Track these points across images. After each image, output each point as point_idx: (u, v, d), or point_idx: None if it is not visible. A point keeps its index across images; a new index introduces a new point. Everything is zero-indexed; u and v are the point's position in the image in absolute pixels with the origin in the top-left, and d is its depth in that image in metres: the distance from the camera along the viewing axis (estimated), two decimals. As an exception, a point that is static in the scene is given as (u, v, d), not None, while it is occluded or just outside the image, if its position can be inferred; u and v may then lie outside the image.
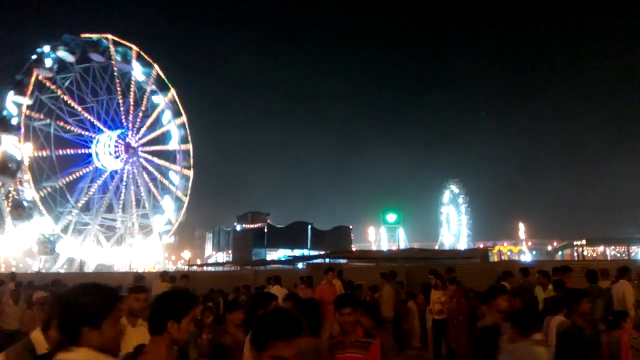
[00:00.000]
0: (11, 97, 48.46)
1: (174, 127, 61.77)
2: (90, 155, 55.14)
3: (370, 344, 3.86)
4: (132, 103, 58.35)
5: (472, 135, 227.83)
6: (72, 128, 53.73)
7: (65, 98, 52.78)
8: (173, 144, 62.24)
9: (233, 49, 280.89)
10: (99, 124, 55.61)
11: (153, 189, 60.01)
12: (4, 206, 49.37)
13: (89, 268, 51.22)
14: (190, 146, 62.75)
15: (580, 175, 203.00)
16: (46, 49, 50.61)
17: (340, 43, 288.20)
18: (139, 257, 58.00)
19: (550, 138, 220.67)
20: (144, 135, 59.67)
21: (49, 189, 50.78)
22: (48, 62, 50.53)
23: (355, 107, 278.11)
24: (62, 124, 52.77)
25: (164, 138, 62.07)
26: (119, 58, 56.59)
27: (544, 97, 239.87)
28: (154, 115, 60.15)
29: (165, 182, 61.29)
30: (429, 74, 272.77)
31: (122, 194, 58.23)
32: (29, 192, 47.99)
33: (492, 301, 4.95)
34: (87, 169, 55.24)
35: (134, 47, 57.56)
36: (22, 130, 48.02)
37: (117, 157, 56.08)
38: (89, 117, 54.78)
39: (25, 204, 48.16)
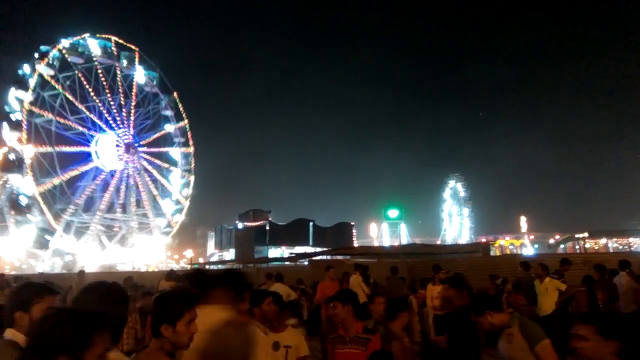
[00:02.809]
0: (13, 92, 48.49)
1: (175, 129, 61.80)
2: (90, 154, 55.17)
3: (369, 340, 3.88)
4: (133, 104, 58.43)
5: (473, 130, 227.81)
6: (74, 125, 53.68)
7: (68, 95, 52.83)
8: (174, 147, 62.30)
9: (234, 48, 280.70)
10: (100, 123, 55.60)
11: (153, 190, 59.94)
12: (4, 203, 49.58)
13: (91, 269, 51.45)
14: (191, 149, 62.76)
15: (581, 168, 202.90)
16: (51, 47, 50.80)
17: (343, 42, 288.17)
18: (141, 256, 58.12)
19: (551, 132, 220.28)
20: (145, 137, 59.82)
21: (48, 185, 50.61)
22: (51, 60, 50.66)
23: (356, 104, 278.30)
24: (63, 120, 52.72)
25: (165, 140, 62.18)
26: (123, 61, 56.84)
27: (545, 94, 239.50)
28: (155, 117, 60.39)
29: (166, 184, 61.30)
30: (431, 72, 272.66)
31: (123, 194, 58.18)
32: (29, 188, 47.98)
33: None
34: (87, 167, 55.20)
35: (136, 49, 57.86)
36: (24, 126, 47.99)
37: (118, 157, 56.12)
38: (90, 115, 54.83)
39: (24, 199, 48.18)
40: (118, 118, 57.03)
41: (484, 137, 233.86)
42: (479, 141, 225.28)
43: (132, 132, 57.76)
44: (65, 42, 51.89)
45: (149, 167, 59.76)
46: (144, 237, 59.35)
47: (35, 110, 49.74)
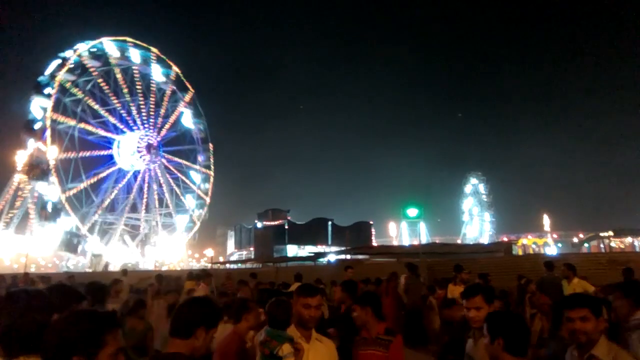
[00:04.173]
0: (35, 101, 49.64)
1: (193, 127, 62.90)
2: (112, 156, 56.24)
3: (390, 342, 3.84)
4: (152, 104, 59.52)
5: (494, 128, 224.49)
6: (95, 130, 54.78)
7: (88, 100, 53.92)
8: (193, 144, 63.51)
9: (256, 49, 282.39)
10: (120, 125, 56.64)
11: (175, 187, 60.99)
12: (30, 207, 50.84)
13: (115, 267, 52.32)
14: (210, 145, 64.13)
15: (605, 165, 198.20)
16: (68, 53, 51.79)
17: (363, 44, 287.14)
18: (163, 255, 58.95)
19: (574, 128, 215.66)
20: (165, 136, 60.89)
21: (74, 191, 51.82)
22: (70, 66, 51.67)
23: (375, 103, 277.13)
24: (85, 125, 53.88)
25: (184, 138, 63.40)
26: (139, 60, 57.73)
27: (568, 92, 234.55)
28: (174, 116, 61.27)
29: (187, 181, 62.28)
30: (452, 72, 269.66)
31: (146, 194, 59.15)
32: (54, 194, 49.13)
33: None
34: (111, 170, 56.36)
35: (153, 49, 58.73)
36: (48, 132, 49.10)
37: (140, 156, 56.98)
38: (111, 118, 55.89)
39: (50, 205, 49.37)
40: (138, 119, 58.09)
41: (506, 134, 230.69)
42: (500, 139, 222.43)
43: (151, 131, 58.69)
44: (81, 46, 52.86)
45: (170, 166, 60.90)
46: (167, 236, 60.22)
47: (58, 117, 50.67)
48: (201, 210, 62.86)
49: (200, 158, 63.49)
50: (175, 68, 60.46)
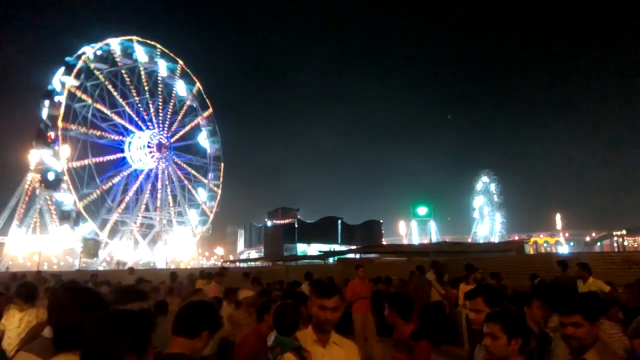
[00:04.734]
0: (59, 75, 50.61)
1: (209, 145, 63.94)
2: (122, 149, 56.66)
3: (413, 346, 3.65)
4: (170, 111, 60.42)
5: (505, 126, 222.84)
6: (110, 113, 55.16)
7: (109, 85, 54.64)
8: (205, 159, 64.56)
9: (266, 48, 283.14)
10: (136, 118, 57.32)
11: (180, 198, 61.28)
12: (45, 210, 51.33)
13: (128, 266, 52.72)
14: (221, 165, 64.91)
15: (619, 163, 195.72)
16: (98, 45, 52.99)
17: (373, 43, 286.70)
18: (174, 253, 59.21)
19: (587, 126, 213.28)
20: (176, 143, 61.67)
21: (78, 164, 52.11)
22: (97, 53, 52.86)
23: (385, 102, 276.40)
24: (101, 106, 54.35)
25: (197, 151, 64.33)
26: (166, 72, 59.08)
27: (580, 89, 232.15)
28: (188, 126, 62.20)
29: (193, 192, 62.98)
30: (462, 71, 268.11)
31: (148, 191, 59.32)
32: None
33: None
34: (124, 173, 56.87)
35: (179, 61, 59.95)
36: (63, 100, 49.42)
37: (149, 152, 57.20)
38: (128, 109, 56.58)
39: (52, 174, 49.74)
40: (155, 120, 58.73)
41: (517, 132, 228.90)
42: (512, 137, 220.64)
43: (164, 131, 59.03)
44: (114, 39, 53.82)
45: (178, 171, 61.13)
46: (174, 235, 60.53)
47: (76, 91, 50.95)
48: (203, 227, 63.21)
49: (210, 175, 64.03)
50: (198, 84, 61.55)
